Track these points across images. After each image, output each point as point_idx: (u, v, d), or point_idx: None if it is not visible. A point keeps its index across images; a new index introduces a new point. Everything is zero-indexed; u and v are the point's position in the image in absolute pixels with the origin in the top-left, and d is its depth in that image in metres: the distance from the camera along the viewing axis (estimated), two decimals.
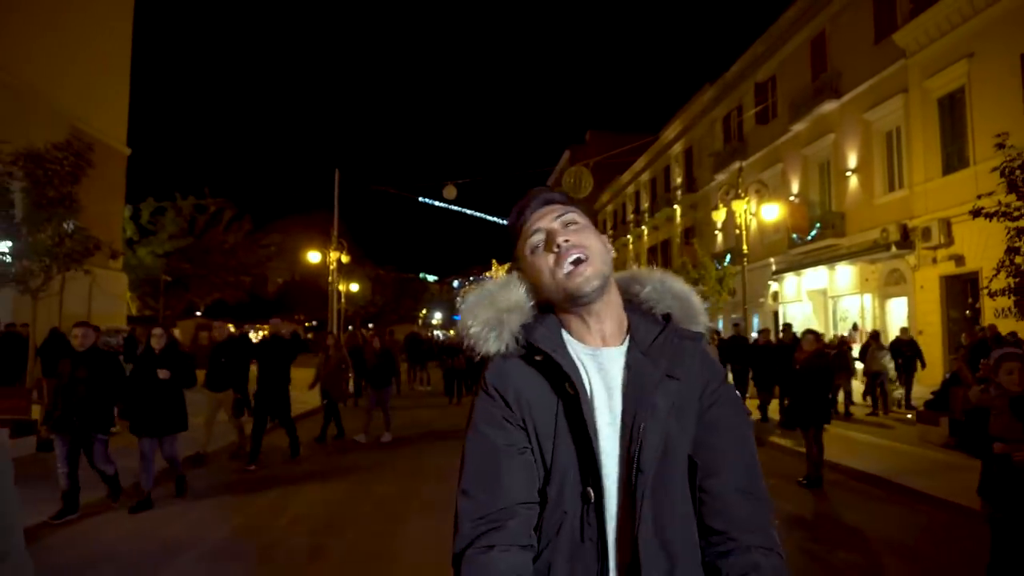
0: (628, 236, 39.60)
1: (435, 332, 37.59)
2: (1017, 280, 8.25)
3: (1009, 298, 8.48)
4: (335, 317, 22.14)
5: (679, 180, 31.74)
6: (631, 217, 39.67)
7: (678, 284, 1.38)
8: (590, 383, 1.22)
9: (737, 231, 17.41)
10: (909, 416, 12.10)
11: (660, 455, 1.16)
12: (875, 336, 13.69)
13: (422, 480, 7.79)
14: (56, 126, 15.85)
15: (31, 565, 1.38)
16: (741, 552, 1.13)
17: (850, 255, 17.86)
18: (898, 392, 13.43)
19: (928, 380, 13.45)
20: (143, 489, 6.48)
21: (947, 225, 14.56)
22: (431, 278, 61.00)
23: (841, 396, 12.97)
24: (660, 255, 33.59)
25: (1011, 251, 8.32)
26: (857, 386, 14.22)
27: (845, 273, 18.95)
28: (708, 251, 24.65)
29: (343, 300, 26.78)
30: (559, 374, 1.20)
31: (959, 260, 14.35)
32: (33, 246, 10.27)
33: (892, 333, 15.32)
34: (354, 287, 36.01)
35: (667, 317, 1.32)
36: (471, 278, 68.68)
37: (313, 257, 24.97)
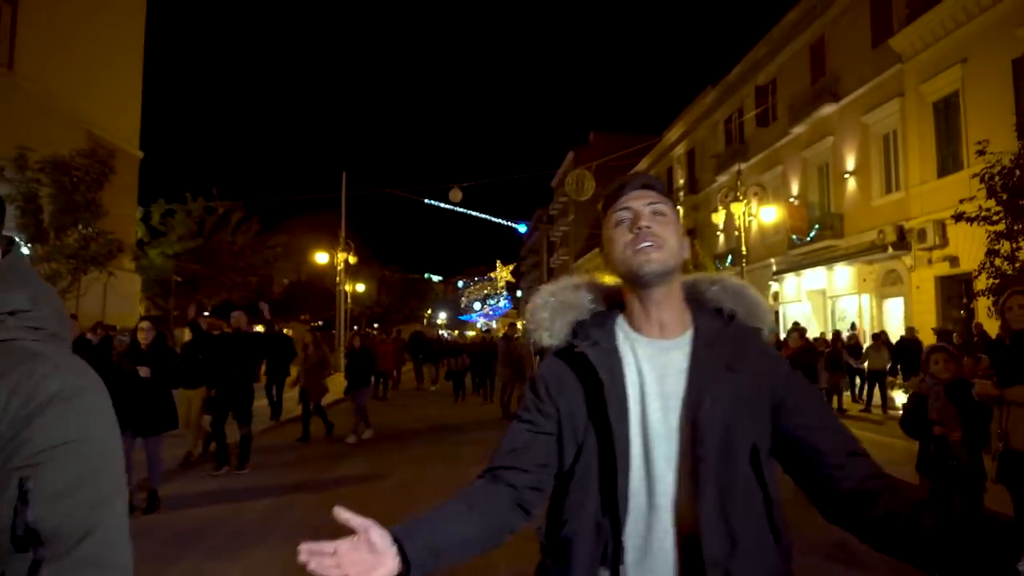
0: None
1: (442, 332, 37.76)
2: (997, 281, 8.64)
3: (988, 298, 8.87)
4: (342, 317, 22.54)
5: (681, 181, 32.06)
6: None
7: (743, 286, 1.46)
8: (639, 372, 1.33)
9: (736, 233, 17.73)
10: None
11: (721, 440, 1.25)
12: (876, 336, 14.01)
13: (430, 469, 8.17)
14: (74, 132, 16.30)
15: (127, 547, 0.99)
16: (885, 476, 1.28)
17: (848, 256, 18.17)
18: (899, 390, 13.69)
19: None
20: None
21: (942, 227, 14.87)
22: (435, 278, 61.33)
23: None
24: None
25: (991, 253, 8.72)
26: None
27: (843, 274, 19.26)
28: (710, 252, 24.97)
29: (350, 300, 27.17)
30: (589, 364, 1.33)
31: (953, 261, 14.67)
32: (60, 249, 10.72)
33: (891, 333, 15.61)
34: (360, 287, 36.45)
35: (732, 316, 1.41)
36: (475, 278, 69.05)
37: (321, 258, 25.39)
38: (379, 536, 1.13)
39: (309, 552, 1.07)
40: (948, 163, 14.94)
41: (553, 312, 1.43)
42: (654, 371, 1.33)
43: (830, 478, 1.28)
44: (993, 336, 9.82)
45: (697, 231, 29.61)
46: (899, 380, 13.67)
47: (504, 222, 51.15)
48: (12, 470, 0.89)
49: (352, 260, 22.63)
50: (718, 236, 26.96)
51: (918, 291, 15.90)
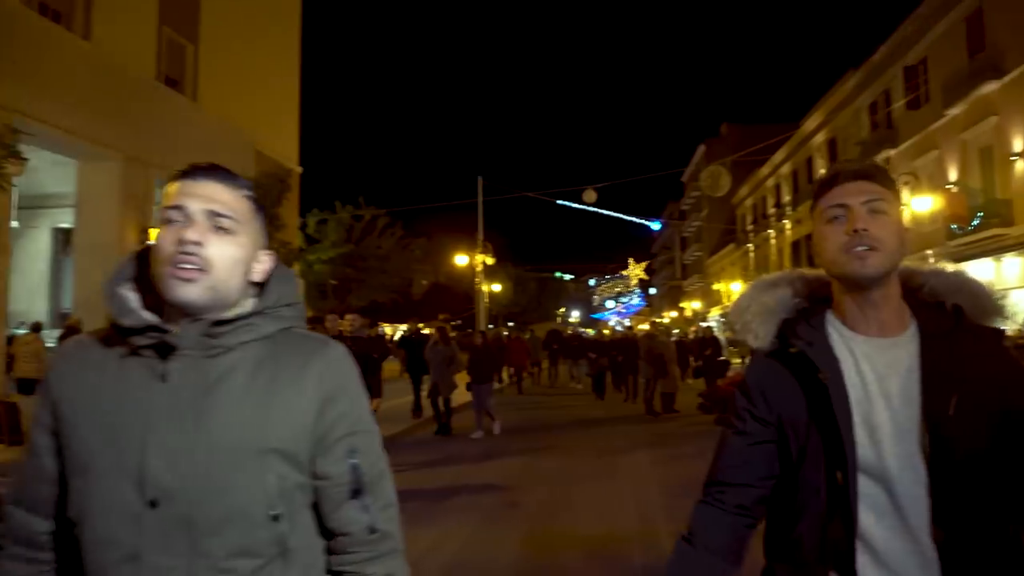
0: (770, 231, 38.50)
1: (580, 329, 37.88)
2: None
3: None
4: (482, 316, 23.65)
5: (823, 172, 30.51)
6: (772, 211, 38.52)
7: (966, 277, 1.35)
8: (858, 371, 1.27)
9: None
10: None
11: (958, 442, 1.19)
12: None
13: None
14: (247, 153, 18.39)
15: (400, 553, 1.21)
16: None
17: (1019, 245, 16.76)
18: None
19: None
20: None
21: None
22: (567, 277, 61.88)
23: None
24: (805, 250, 32.47)
25: None
26: None
27: (1014, 265, 17.72)
28: None
29: (487, 300, 28.38)
30: (811, 365, 1.28)
31: None
32: None
33: None
34: (496, 287, 37.79)
35: (957, 310, 1.29)
36: (606, 276, 68.94)
37: (459, 260, 26.68)
38: None
39: None
40: None
41: (757, 312, 1.39)
42: (874, 370, 1.27)
43: None
44: None
45: None
46: None
47: (637, 220, 50.43)
48: (338, 438, 1.16)
49: (490, 261, 23.66)
50: None
51: None
